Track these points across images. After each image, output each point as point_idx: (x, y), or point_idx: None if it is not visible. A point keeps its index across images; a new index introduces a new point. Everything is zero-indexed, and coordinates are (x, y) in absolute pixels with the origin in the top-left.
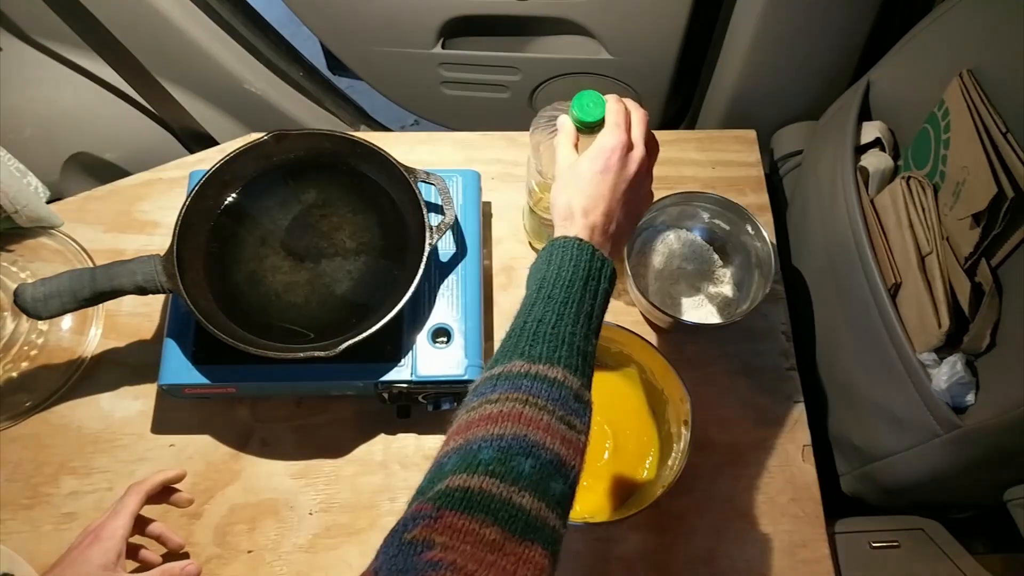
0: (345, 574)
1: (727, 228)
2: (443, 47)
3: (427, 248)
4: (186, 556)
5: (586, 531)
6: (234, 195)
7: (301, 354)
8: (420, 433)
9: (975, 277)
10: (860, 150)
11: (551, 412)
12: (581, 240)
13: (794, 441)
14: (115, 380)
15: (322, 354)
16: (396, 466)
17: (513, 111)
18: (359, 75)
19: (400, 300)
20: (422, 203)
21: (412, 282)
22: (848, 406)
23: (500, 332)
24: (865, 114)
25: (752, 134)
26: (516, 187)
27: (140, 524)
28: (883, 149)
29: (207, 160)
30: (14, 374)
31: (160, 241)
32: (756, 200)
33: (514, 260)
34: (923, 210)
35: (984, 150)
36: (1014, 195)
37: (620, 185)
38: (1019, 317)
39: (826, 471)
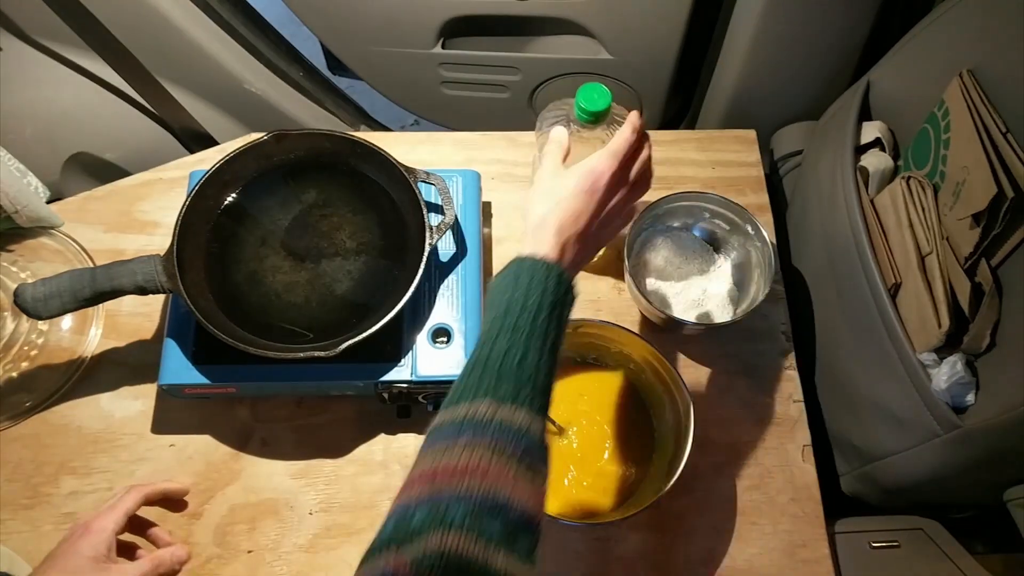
0: (345, 574)
1: (727, 228)
2: (443, 47)
3: (427, 248)
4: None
5: (586, 531)
6: (234, 195)
7: (301, 354)
8: (420, 433)
9: (975, 277)
10: (860, 150)
11: (518, 461)
12: (549, 264)
13: (794, 441)
14: (115, 380)
15: (322, 354)
16: (396, 466)
17: (513, 111)
18: (359, 75)
19: (400, 300)
20: (422, 203)
21: (412, 282)
22: (848, 406)
23: None
24: (865, 114)
25: (752, 134)
26: (516, 187)
27: (139, 526)
28: (883, 149)
29: (207, 160)
30: (14, 374)
31: (160, 241)
32: (756, 200)
33: None
34: (923, 210)
35: (984, 150)
36: (1014, 195)
37: (599, 211)
38: (1019, 317)
39: (826, 471)
